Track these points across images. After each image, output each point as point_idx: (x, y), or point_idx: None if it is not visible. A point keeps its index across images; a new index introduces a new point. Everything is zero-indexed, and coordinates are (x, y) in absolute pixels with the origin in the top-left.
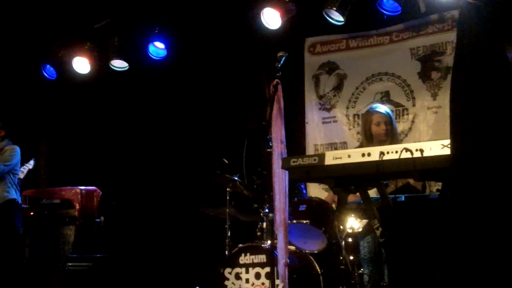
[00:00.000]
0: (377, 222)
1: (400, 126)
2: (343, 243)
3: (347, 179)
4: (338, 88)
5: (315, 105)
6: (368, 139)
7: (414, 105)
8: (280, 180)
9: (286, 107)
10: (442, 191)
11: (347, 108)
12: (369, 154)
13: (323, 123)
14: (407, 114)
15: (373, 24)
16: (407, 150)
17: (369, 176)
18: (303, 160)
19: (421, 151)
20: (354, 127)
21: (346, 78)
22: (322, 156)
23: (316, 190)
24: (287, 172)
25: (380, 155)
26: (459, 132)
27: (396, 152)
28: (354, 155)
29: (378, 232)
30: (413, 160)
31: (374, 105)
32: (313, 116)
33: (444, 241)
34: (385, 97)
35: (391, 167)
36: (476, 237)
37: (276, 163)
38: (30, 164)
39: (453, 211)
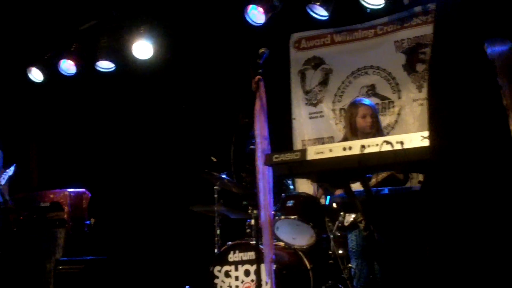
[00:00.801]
0: (360, 216)
1: (387, 119)
2: (332, 237)
3: (329, 173)
4: (324, 83)
5: (301, 100)
6: (353, 132)
7: (400, 98)
8: (264, 176)
9: (273, 104)
10: (424, 182)
11: (334, 102)
12: (350, 148)
13: (310, 118)
14: (393, 107)
15: (357, 18)
16: (387, 142)
17: (351, 169)
18: (285, 156)
19: (402, 143)
20: (340, 121)
21: (332, 72)
22: (304, 152)
23: (305, 186)
24: (271, 168)
25: (361, 149)
26: (436, 124)
27: (377, 145)
28: (336, 149)
29: (361, 226)
30: (394, 152)
31: (359, 98)
32: (300, 112)
33: (427, 233)
34: (371, 91)
35: (372, 160)
36: (456, 229)
37: (260, 160)
38: (11, 170)
39: (434, 202)
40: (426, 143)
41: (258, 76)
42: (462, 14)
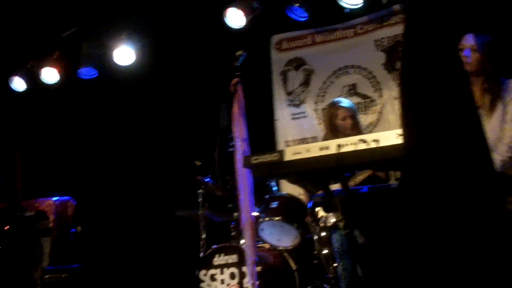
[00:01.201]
0: (340, 215)
1: (369, 118)
2: (317, 237)
3: (307, 173)
4: (306, 83)
5: (284, 101)
6: (333, 133)
7: (381, 96)
8: (244, 178)
9: (256, 105)
10: (401, 179)
11: (316, 103)
12: (327, 148)
13: (293, 119)
14: (375, 105)
15: (337, 18)
16: (363, 141)
17: (329, 169)
18: (264, 158)
19: (377, 141)
20: (323, 121)
21: (313, 73)
22: (282, 152)
23: (290, 187)
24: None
25: (337, 148)
26: (409, 121)
27: (353, 144)
28: (313, 149)
29: (341, 225)
30: (370, 150)
31: (337, 99)
32: (282, 113)
33: (404, 230)
34: (352, 90)
35: (349, 159)
36: (431, 224)
37: (240, 162)
38: None
39: (409, 198)
40: (401, 140)
41: (236, 79)
42: (433, 14)
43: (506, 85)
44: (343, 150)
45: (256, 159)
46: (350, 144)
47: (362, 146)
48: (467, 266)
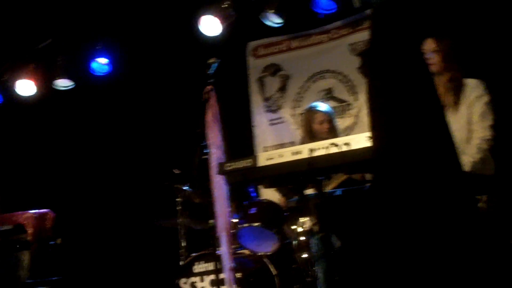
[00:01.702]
0: (315, 218)
1: (345, 122)
2: (295, 242)
3: (281, 178)
4: (283, 89)
5: (261, 107)
6: (310, 137)
7: (357, 100)
8: (219, 185)
9: (234, 112)
10: (372, 182)
11: (293, 108)
12: (299, 152)
13: (271, 124)
14: (351, 109)
15: (312, 23)
16: (334, 145)
17: (302, 173)
18: (237, 164)
19: (348, 144)
20: (301, 126)
21: (290, 78)
22: (255, 158)
23: (269, 192)
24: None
25: (309, 152)
26: (376, 124)
27: (325, 147)
28: (286, 154)
29: (316, 228)
30: (341, 154)
31: (314, 104)
32: (260, 119)
33: (377, 231)
34: (329, 94)
35: (321, 163)
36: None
37: (214, 169)
38: None
39: (379, 201)
40: (371, 143)
41: (209, 86)
42: (397, 19)
43: (469, 84)
44: (315, 154)
45: (230, 166)
46: (321, 148)
47: (334, 150)
48: (439, 265)
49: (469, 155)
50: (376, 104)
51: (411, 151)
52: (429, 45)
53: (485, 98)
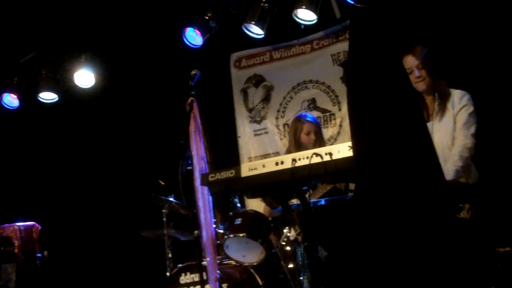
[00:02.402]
0: (298, 228)
1: (329, 131)
2: (281, 252)
3: (264, 188)
4: (266, 99)
5: (245, 118)
6: (297, 146)
7: (340, 110)
8: (204, 196)
9: (219, 123)
10: (354, 191)
11: (277, 118)
12: (282, 162)
13: (255, 135)
14: (335, 119)
15: (294, 34)
16: (317, 154)
17: (285, 183)
18: (220, 175)
19: (330, 154)
20: (285, 136)
21: (273, 89)
22: (238, 169)
23: (255, 203)
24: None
25: (292, 162)
26: (357, 134)
27: (307, 157)
28: (269, 164)
29: (300, 238)
30: (324, 163)
31: (303, 113)
32: (244, 130)
33: (359, 240)
34: (312, 104)
35: (304, 173)
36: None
37: (198, 180)
38: None
39: (361, 208)
40: (352, 153)
41: (191, 98)
42: (376, 30)
43: (455, 95)
44: (298, 164)
45: (213, 177)
46: (304, 158)
47: (316, 160)
48: (422, 271)
49: (451, 163)
50: (356, 114)
51: (391, 160)
52: (412, 63)
53: (470, 109)
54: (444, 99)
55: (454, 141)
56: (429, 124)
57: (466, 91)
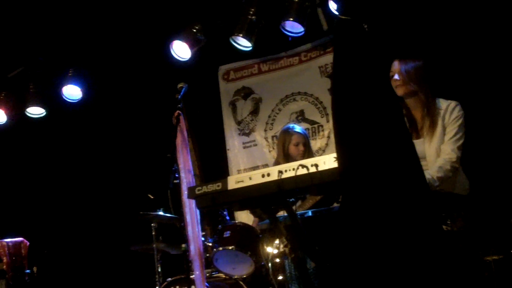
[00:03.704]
0: (285, 240)
1: (317, 143)
2: (270, 264)
3: (250, 201)
4: (255, 112)
5: (234, 131)
6: (285, 158)
7: (328, 121)
8: (191, 210)
9: (208, 136)
10: (341, 202)
11: (265, 130)
12: (268, 175)
13: (244, 148)
14: (323, 130)
15: (282, 46)
16: (303, 166)
17: (271, 195)
18: (207, 188)
19: (316, 166)
20: (273, 148)
21: (261, 101)
22: (225, 182)
23: (244, 215)
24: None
25: (279, 174)
26: (341, 146)
27: (293, 169)
28: (255, 177)
29: (287, 250)
30: (310, 175)
31: (291, 125)
32: (233, 142)
33: (347, 251)
34: (301, 116)
35: (290, 184)
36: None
37: (185, 193)
38: None
39: (347, 220)
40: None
41: (178, 111)
42: (360, 42)
43: (446, 107)
44: (284, 176)
45: (200, 190)
46: (290, 169)
47: (302, 171)
48: (408, 281)
49: (429, 174)
50: (340, 125)
51: (375, 172)
52: (396, 67)
53: (460, 120)
54: (433, 113)
55: (440, 152)
56: (419, 141)
57: (455, 100)
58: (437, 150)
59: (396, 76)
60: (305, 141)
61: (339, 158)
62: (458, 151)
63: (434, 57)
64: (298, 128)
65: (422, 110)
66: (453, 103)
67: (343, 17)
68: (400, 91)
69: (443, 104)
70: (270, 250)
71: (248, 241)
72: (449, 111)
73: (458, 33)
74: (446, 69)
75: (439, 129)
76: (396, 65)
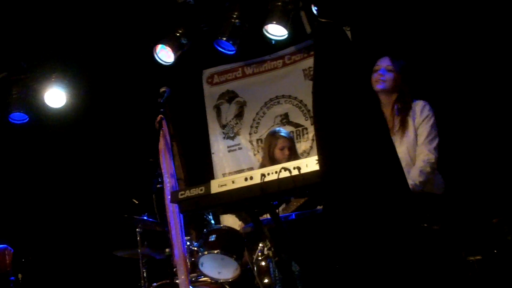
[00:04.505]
0: (269, 243)
1: (302, 146)
2: (256, 267)
3: (234, 204)
4: (239, 115)
5: (219, 134)
6: (271, 161)
7: (312, 124)
8: (175, 214)
9: (192, 140)
10: (323, 203)
11: (250, 134)
12: (251, 178)
13: (229, 151)
14: (307, 133)
15: (266, 49)
16: (285, 169)
17: (255, 199)
18: (190, 192)
19: (299, 168)
20: (258, 151)
21: (246, 105)
22: (208, 186)
23: (230, 219)
24: None
25: (261, 177)
26: (322, 149)
27: (276, 172)
28: (238, 180)
29: (270, 253)
30: (292, 178)
31: (278, 129)
32: (218, 146)
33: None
34: (285, 119)
35: (273, 188)
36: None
37: (169, 198)
38: None
39: (330, 222)
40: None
41: (160, 116)
42: (340, 44)
43: (417, 107)
44: (267, 179)
45: (183, 194)
46: (273, 172)
47: (285, 174)
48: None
49: (411, 179)
50: (321, 127)
51: (357, 173)
52: (382, 63)
53: (431, 120)
54: (404, 113)
55: (417, 156)
56: None
57: (426, 101)
58: (408, 148)
59: (382, 71)
60: (291, 145)
61: (320, 160)
62: (435, 151)
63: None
64: (284, 132)
65: (392, 108)
66: (421, 103)
67: (323, 20)
68: (379, 86)
69: (415, 104)
70: (255, 253)
71: (233, 245)
72: (419, 111)
73: (434, 34)
74: (421, 69)
75: (410, 129)
76: (386, 60)
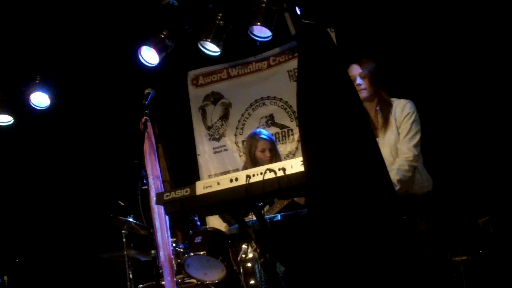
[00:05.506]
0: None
1: (288, 147)
2: (241, 269)
3: (219, 206)
4: (224, 117)
5: (204, 136)
6: (253, 163)
7: (297, 125)
8: (160, 216)
9: (178, 141)
10: (308, 204)
11: (236, 135)
12: (236, 179)
13: (215, 153)
14: (293, 134)
15: (251, 51)
16: (270, 170)
17: (240, 200)
18: (175, 194)
19: (284, 169)
20: (244, 153)
21: (231, 106)
22: (193, 187)
23: (216, 221)
24: None
25: (246, 179)
26: (306, 150)
27: (261, 173)
28: (223, 182)
29: (256, 254)
30: (277, 179)
31: (258, 130)
32: (204, 148)
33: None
34: (270, 121)
35: (258, 189)
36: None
37: (154, 200)
38: None
39: (314, 223)
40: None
41: (145, 117)
42: (323, 45)
43: (398, 105)
44: (252, 180)
45: (168, 196)
46: (258, 174)
47: (270, 176)
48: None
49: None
50: (305, 128)
51: (341, 174)
52: (355, 72)
53: (413, 117)
54: (386, 112)
55: (397, 153)
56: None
57: (409, 99)
58: (390, 147)
59: (358, 81)
60: (272, 146)
61: (304, 161)
62: (415, 149)
63: (388, 58)
64: (264, 133)
65: (375, 111)
66: (403, 101)
67: (307, 21)
68: (361, 95)
69: (394, 102)
70: (240, 254)
71: (219, 247)
72: (400, 109)
73: (409, 32)
74: (403, 69)
75: (392, 128)
76: (355, 68)
